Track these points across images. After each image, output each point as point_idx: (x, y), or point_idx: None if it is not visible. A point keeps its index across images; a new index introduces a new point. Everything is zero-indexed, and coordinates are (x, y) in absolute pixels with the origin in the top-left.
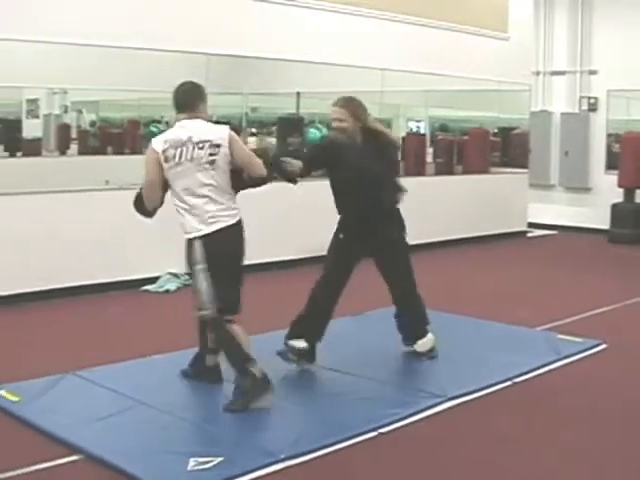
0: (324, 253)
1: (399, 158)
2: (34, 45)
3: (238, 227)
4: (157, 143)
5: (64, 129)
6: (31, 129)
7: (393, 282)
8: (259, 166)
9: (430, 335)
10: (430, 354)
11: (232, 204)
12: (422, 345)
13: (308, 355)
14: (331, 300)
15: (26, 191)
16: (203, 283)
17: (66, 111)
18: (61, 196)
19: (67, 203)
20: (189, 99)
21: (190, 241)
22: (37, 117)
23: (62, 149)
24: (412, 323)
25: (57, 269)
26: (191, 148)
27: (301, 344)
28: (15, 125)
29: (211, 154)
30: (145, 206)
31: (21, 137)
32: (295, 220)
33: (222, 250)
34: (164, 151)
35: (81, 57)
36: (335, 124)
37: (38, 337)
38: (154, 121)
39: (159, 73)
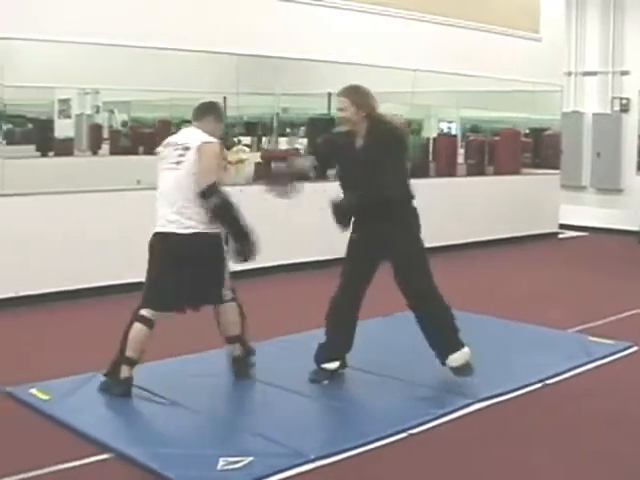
0: None
1: (406, 155)
2: (66, 46)
3: (180, 237)
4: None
5: (96, 129)
6: (63, 129)
7: (405, 285)
8: (205, 181)
9: (465, 349)
10: (464, 371)
11: (183, 216)
12: (454, 360)
13: (342, 368)
14: (352, 307)
15: (54, 191)
16: None
17: (98, 111)
18: (90, 196)
19: (96, 203)
20: (199, 110)
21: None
22: (69, 117)
23: (94, 149)
24: (439, 333)
25: (84, 269)
26: (169, 150)
27: (334, 365)
28: (47, 125)
29: (180, 155)
30: None
31: (53, 137)
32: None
33: (153, 250)
34: (161, 150)
35: (113, 58)
36: (338, 114)
37: (67, 337)
38: (185, 121)
39: (191, 74)
